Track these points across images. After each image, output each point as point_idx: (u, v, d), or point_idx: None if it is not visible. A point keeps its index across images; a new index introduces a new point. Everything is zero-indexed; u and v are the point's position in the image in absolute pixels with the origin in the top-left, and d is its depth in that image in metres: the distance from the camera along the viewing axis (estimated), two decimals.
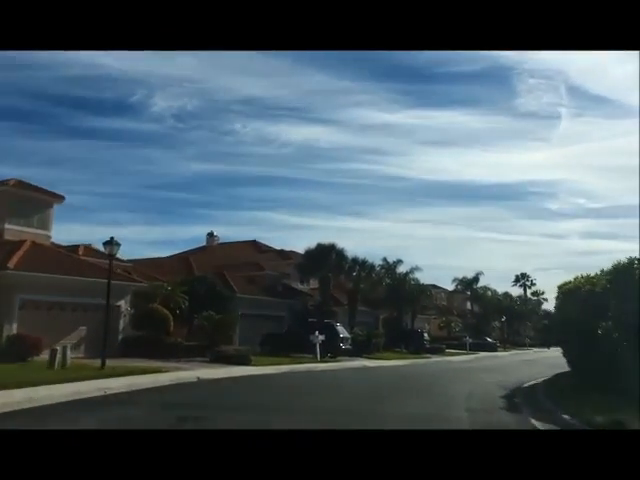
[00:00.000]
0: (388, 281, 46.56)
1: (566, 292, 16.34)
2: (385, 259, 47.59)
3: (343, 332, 30.21)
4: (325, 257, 37.22)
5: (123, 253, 25.05)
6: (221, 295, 28.67)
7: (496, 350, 52.25)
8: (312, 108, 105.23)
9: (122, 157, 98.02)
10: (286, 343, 29.43)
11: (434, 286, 72.06)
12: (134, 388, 13.31)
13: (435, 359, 34.87)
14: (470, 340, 47.66)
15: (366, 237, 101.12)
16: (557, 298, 17.70)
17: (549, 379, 18.57)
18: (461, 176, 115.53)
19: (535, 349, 64.90)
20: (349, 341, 30.35)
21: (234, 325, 28.18)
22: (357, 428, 8.14)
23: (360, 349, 32.40)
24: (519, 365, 30.42)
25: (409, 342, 39.98)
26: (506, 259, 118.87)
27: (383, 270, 47.12)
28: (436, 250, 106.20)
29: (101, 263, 22.57)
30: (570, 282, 16.40)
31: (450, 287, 69.03)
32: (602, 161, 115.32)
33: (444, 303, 70.67)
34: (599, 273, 15.16)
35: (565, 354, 17.39)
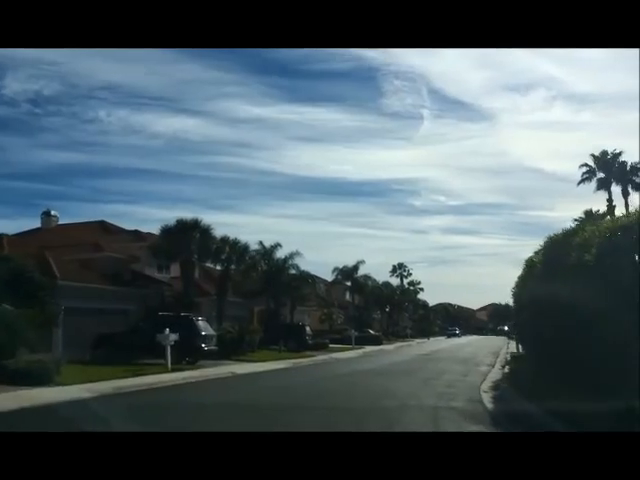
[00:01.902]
0: (264, 267, 40.27)
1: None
2: (261, 242, 41.25)
3: (205, 328, 23.26)
4: (187, 236, 29.85)
5: None
6: (31, 281, 20.43)
7: (381, 343, 48.14)
8: (181, 98, 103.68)
9: None
10: (128, 346, 21.93)
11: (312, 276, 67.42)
12: None
13: (321, 357, 29.15)
14: (356, 333, 42.80)
15: (236, 232, 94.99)
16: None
17: (500, 379, 13.38)
18: (330, 172, 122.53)
19: (417, 340, 62.41)
20: (214, 340, 23.47)
21: (50, 323, 20.18)
22: None
23: (230, 349, 25.74)
24: (421, 362, 25.63)
25: (289, 338, 33.92)
26: (377, 254, 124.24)
27: (258, 256, 40.79)
28: (309, 245, 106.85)
29: None
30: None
31: (329, 278, 64.58)
32: (459, 161, 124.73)
33: (324, 296, 66.05)
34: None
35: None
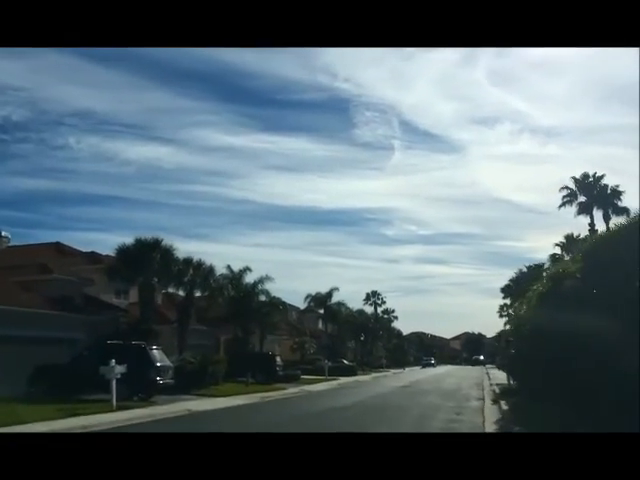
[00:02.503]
0: (232, 293, 37.67)
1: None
2: (229, 267, 38.78)
3: (161, 359, 20.52)
4: (146, 258, 27.22)
5: None
6: None
7: (356, 373, 45.59)
8: (153, 126, 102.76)
9: None
10: (70, 379, 19.16)
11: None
12: None
13: (292, 390, 26.55)
14: (329, 364, 40.25)
15: (209, 261, 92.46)
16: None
17: (502, 418, 11.18)
18: (304, 201, 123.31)
19: (393, 370, 60.02)
20: (170, 372, 20.76)
21: None
22: None
23: (190, 382, 23.04)
24: (405, 396, 23.27)
25: (258, 369, 31.23)
26: (350, 283, 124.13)
27: (226, 280, 38.23)
28: (282, 274, 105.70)
29: None
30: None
31: (302, 306, 62.15)
32: (430, 191, 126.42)
33: (296, 324, 63.35)
34: None
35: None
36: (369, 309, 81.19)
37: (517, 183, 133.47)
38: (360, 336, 62.99)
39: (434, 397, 21.45)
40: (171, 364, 21.26)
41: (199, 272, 29.44)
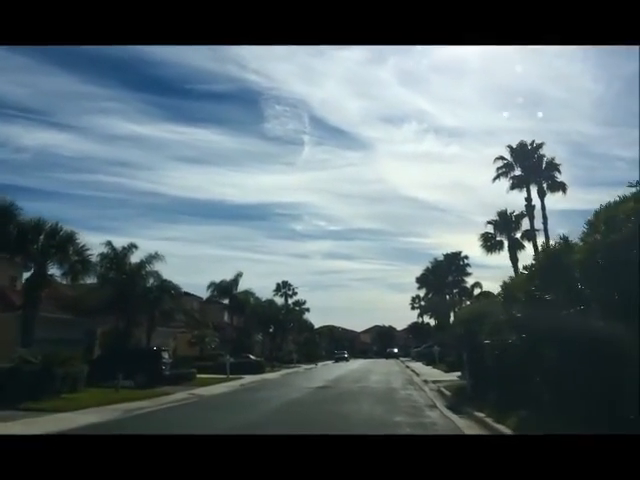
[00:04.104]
0: (111, 274, 30.33)
1: None
2: (109, 242, 31.36)
3: None
4: None
5: None
6: None
7: (264, 370, 39.46)
8: (52, 111, 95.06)
9: None
10: None
11: (186, 293, 57.22)
12: None
13: (178, 396, 20.01)
14: (231, 360, 33.85)
15: None
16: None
17: None
18: (212, 194, 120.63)
19: (305, 366, 54.49)
20: None
21: None
22: None
23: (27, 390, 16.00)
24: (327, 403, 17.37)
25: (139, 369, 24.38)
26: (260, 278, 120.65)
27: (106, 260, 30.80)
28: (188, 269, 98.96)
29: None
30: None
31: (205, 295, 54.97)
32: (338, 187, 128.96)
33: (196, 315, 56.15)
34: None
35: None
36: (280, 301, 75.87)
37: (422, 181, 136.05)
38: (269, 328, 56.94)
39: (368, 405, 15.82)
40: None
41: (54, 237, 21.88)
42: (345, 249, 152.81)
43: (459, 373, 26.09)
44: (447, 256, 66.11)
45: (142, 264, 31.43)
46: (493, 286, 64.33)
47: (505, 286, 12.00)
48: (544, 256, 10.01)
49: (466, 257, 65.15)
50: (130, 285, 30.45)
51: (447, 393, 17.42)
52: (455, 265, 66.08)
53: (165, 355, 26.37)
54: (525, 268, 10.76)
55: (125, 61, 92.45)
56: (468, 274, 65.04)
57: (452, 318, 69.73)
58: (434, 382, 23.06)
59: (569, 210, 67.03)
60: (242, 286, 52.50)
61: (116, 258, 31.28)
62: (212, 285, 51.89)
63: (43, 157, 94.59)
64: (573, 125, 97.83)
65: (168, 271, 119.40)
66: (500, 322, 11.85)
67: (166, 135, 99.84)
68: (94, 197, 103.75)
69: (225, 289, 52.15)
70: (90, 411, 15.09)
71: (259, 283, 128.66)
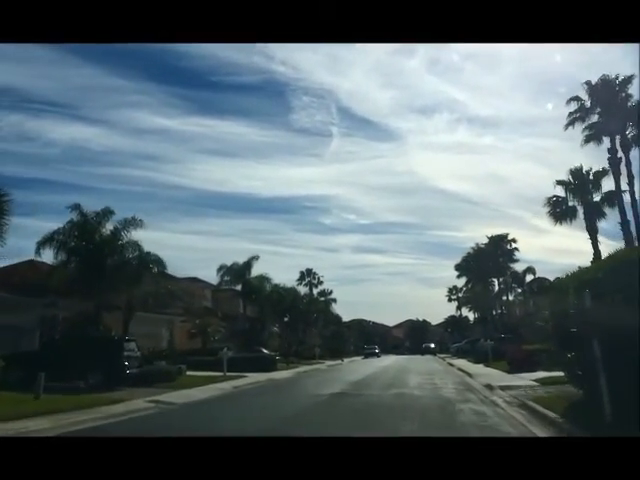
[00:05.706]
0: (73, 243, 23.90)
1: None
2: (78, 206, 24.93)
3: None
4: None
5: None
6: None
7: (275, 367, 32.61)
8: (81, 105, 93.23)
9: None
10: None
11: (195, 279, 50.74)
12: None
13: (135, 406, 13.16)
14: (229, 354, 27.03)
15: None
16: None
17: None
18: (239, 187, 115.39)
19: (328, 362, 47.47)
20: None
21: None
22: None
23: None
24: (346, 423, 10.29)
25: (93, 366, 17.86)
26: (287, 272, 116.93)
27: (74, 228, 24.44)
28: (215, 263, 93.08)
29: None
30: None
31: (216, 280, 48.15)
32: (368, 180, 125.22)
33: (208, 304, 49.73)
34: None
35: None
36: (304, 290, 69.20)
37: (454, 173, 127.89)
38: (287, 319, 50.10)
39: (411, 434, 8.73)
40: None
41: None
42: (375, 243, 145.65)
43: (536, 375, 18.69)
44: (492, 239, 57.99)
45: (116, 232, 24.87)
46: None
47: None
48: None
49: (514, 240, 57.05)
50: (99, 258, 23.99)
51: (544, 411, 10.16)
52: (501, 250, 58.08)
53: (131, 346, 19.66)
54: None
55: (151, 54, 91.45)
56: (515, 260, 57.02)
57: (495, 311, 62.26)
58: (502, 389, 15.80)
59: None
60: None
61: (86, 226, 24.89)
62: (222, 268, 45.02)
63: (72, 151, 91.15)
64: None
65: (194, 265, 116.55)
66: None
67: (192, 128, 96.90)
68: (120, 191, 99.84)
69: (237, 273, 45.35)
70: None
71: (287, 277, 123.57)
